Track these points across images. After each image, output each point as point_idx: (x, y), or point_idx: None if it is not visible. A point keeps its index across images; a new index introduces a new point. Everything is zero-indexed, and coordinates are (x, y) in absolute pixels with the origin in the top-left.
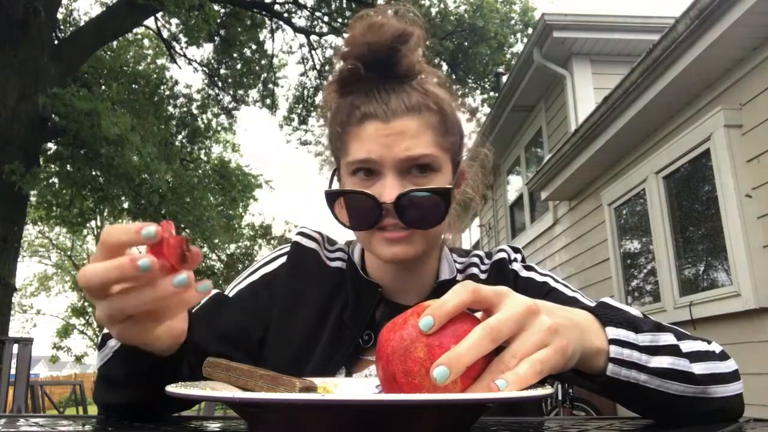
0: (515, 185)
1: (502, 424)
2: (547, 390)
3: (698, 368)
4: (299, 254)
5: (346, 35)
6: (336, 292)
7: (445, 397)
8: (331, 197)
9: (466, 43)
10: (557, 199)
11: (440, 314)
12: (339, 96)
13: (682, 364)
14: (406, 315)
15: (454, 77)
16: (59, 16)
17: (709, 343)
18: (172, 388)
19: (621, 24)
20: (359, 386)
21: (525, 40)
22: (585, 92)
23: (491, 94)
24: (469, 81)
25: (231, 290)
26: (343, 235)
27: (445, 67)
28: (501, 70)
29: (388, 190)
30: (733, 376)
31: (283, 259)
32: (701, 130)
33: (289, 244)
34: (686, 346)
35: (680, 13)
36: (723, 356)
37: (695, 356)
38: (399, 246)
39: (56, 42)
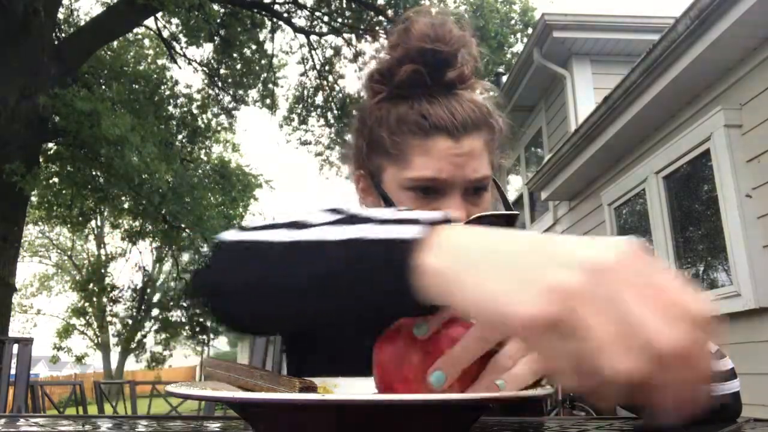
0: (515, 185)
1: (502, 424)
2: (547, 390)
3: None
4: None
5: (402, 29)
6: None
7: (445, 397)
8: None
9: None
10: (557, 199)
11: (454, 372)
12: (389, 96)
13: None
14: (398, 324)
15: None
16: (60, 16)
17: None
18: (173, 388)
19: (621, 24)
20: (359, 386)
21: (525, 40)
22: (585, 92)
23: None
24: None
25: None
26: None
27: None
28: (501, 70)
29: (456, 210)
30: (731, 375)
31: None
32: (701, 130)
33: None
34: None
35: (680, 13)
36: (720, 355)
37: None
38: None
39: (56, 42)
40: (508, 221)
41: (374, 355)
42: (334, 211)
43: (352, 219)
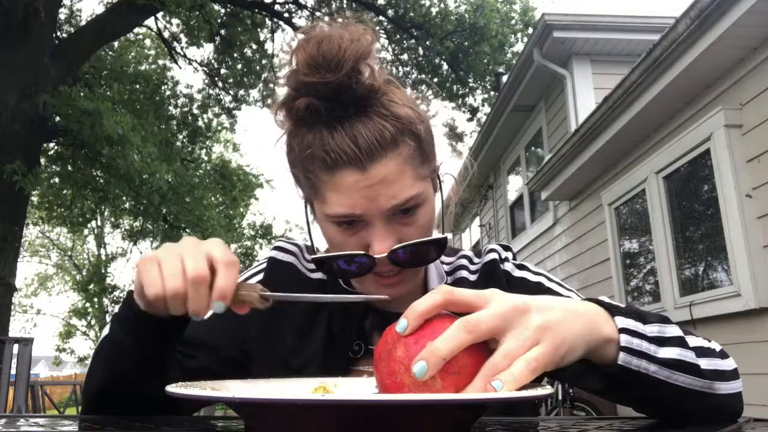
0: (515, 185)
1: (501, 424)
2: (547, 390)
3: (704, 363)
4: (276, 269)
5: (290, 55)
6: (320, 305)
7: (445, 397)
8: (322, 263)
9: (466, 43)
10: (557, 199)
11: (413, 315)
12: (294, 128)
13: (689, 356)
14: (393, 323)
15: (453, 77)
16: (62, 16)
17: (710, 341)
18: (172, 388)
19: (621, 24)
20: (359, 386)
21: (525, 39)
22: (585, 92)
23: (492, 93)
24: (470, 81)
25: None
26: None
27: (445, 66)
28: (501, 70)
29: (377, 243)
30: (734, 374)
31: (260, 276)
32: (701, 130)
33: (265, 260)
34: (692, 340)
35: (680, 13)
36: (723, 354)
37: (700, 351)
38: (392, 288)
39: (56, 42)
40: (436, 244)
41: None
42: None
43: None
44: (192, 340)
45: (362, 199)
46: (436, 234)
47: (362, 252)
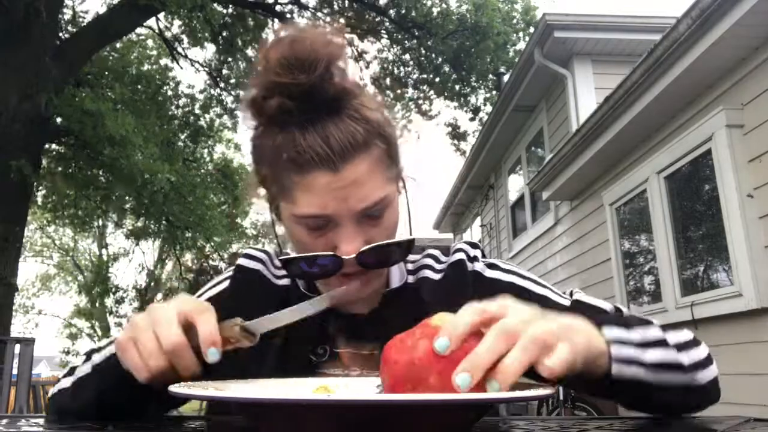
0: (516, 185)
1: (502, 424)
2: (548, 390)
3: (685, 357)
4: (242, 275)
5: (260, 55)
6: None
7: (445, 397)
8: (289, 263)
9: (467, 43)
10: (558, 199)
11: (456, 335)
12: (265, 128)
13: (671, 355)
14: (415, 337)
15: (455, 77)
16: (65, 16)
17: (683, 330)
18: (175, 388)
19: (622, 24)
20: (360, 386)
21: (527, 39)
22: (586, 92)
23: (494, 93)
24: (472, 80)
25: None
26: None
27: (446, 67)
28: (502, 69)
29: (346, 243)
30: (708, 360)
31: (226, 283)
32: (703, 130)
33: (233, 268)
34: (671, 337)
35: (681, 13)
36: (697, 342)
37: (679, 346)
38: (360, 289)
39: (57, 42)
40: (403, 246)
41: (385, 363)
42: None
43: (90, 355)
44: None
45: (333, 200)
46: (400, 236)
47: (330, 253)
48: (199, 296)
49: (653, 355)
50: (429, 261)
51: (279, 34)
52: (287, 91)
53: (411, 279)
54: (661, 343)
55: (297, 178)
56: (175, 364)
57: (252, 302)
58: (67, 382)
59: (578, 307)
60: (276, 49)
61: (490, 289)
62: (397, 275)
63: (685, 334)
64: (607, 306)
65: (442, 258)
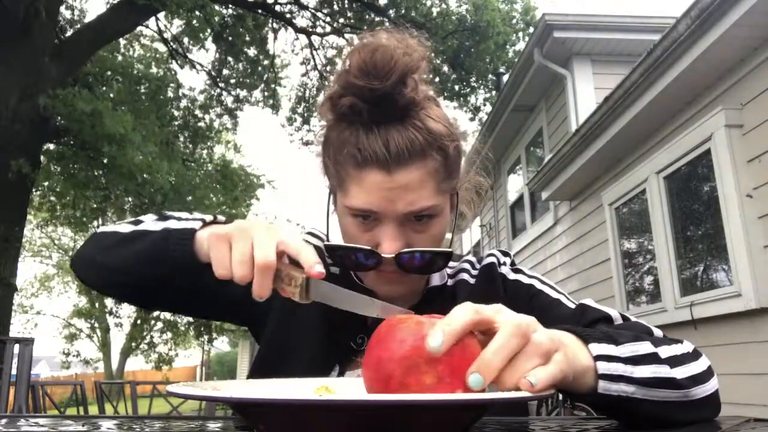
0: (516, 185)
1: (501, 424)
2: (547, 390)
3: (679, 373)
4: None
5: (345, 57)
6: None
7: (445, 397)
8: (332, 250)
9: (467, 43)
10: (558, 199)
11: (450, 334)
12: (335, 122)
13: (663, 371)
14: (393, 328)
15: (454, 77)
16: (67, 16)
17: (682, 343)
18: (174, 388)
19: (621, 24)
20: (360, 387)
21: (526, 39)
22: (586, 92)
23: (493, 93)
24: (472, 80)
25: None
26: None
27: (446, 67)
28: (502, 69)
29: (388, 242)
30: (708, 374)
31: None
32: (702, 130)
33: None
34: (664, 351)
35: (681, 13)
36: (696, 354)
37: (673, 361)
38: (391, 285)
39: (57, 42)
40: (442, 256)
41: (367, 357)
42: (160, 216)
43: (166, 218)
44: None
45: (381, 199)
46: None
47: (370, 248)
48: None
49: (643, 371)
50: (466, 266)
51: (365, 39)
52: (361, 93)
53: (450, 282)
54: (653, 359)
55: (353, 171)
56: (256, 281)
57: None
58: (126, 228)
59: (583, 312)
60: (359, 54)
61: (512, 288)
62: (437, 275)
63: (683, 347)
64: (614, 313)
65: (477, 265)
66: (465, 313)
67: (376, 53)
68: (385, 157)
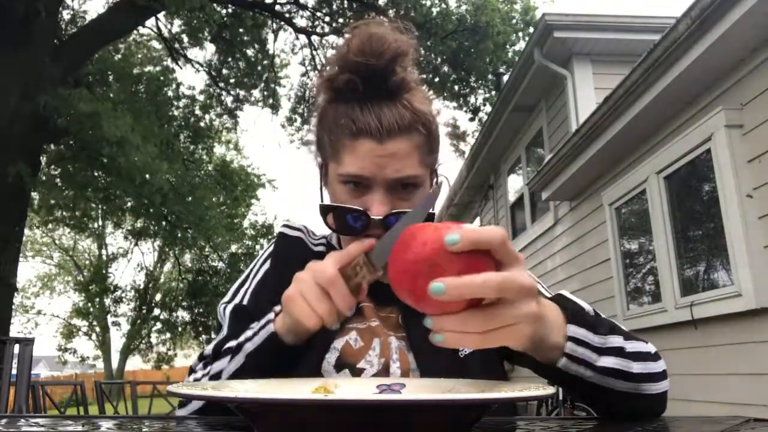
0: (516, 185)
1: (501, 424)
2: (548, 390)
3: (637, 367)
4: (285, 242)
5: (344, 41)
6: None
7: (445, 397)
8: (326, 210)
9: (467, 43)
10: (558, 199)
11: (468, 239)
12: (331, 100)
13: (623, 364)
14: (419, 235)
15: (454, 77)
16: (66, 16)
17: (647, 343)
18: (174, 388)
19: (622, 24)
20: (360, 386)
21: (526, 39)
22: (586, 92)
23: (493, 93)
24: (471, 80)
25: (238, 298)
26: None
27: (446, 67)
28: (502, 69)
29: (377, 205)
30: (662, 376)
31: (270, 249)
32: (702, 130)
33: (275, 235)
34: (631, 346)
35: (681, 13)
36: (656, 357)
37: (636, 356)
38: None
39: (57, 42)
40: (425, 219)
41: (392, 259)
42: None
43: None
44: (251, 311)
45: (372, 166)
46: None
47: (361, 209)
48: (252, 275)
49: (605, 361)
50: None
51: (362, 26)
52: (357, 69)
53: None
54: (618, 353)
55: (348, 141)
56: (335, 299)
57: (293, 263)
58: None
59: (560, 301)
60: (357, 37)
61: None
62: None
63: (648, 347)
64: (587, 308)
65: None
66: (493, 231)
67: (372, 36)
68: (378, 128)
